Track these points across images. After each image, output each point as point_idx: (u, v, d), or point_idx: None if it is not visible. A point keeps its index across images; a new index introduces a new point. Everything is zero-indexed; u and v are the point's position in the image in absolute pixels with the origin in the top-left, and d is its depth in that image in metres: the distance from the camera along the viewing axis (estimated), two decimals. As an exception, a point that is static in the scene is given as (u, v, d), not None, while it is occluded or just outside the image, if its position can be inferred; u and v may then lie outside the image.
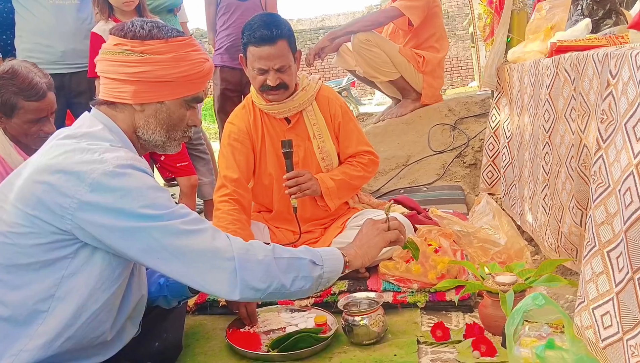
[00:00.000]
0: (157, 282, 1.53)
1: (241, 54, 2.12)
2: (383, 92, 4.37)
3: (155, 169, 2.97)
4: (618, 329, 1.08)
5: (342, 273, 1.39)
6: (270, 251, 1.27)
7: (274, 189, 2.19)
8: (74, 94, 2.75)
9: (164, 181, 3.47)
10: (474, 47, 6.31)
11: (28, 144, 1.83)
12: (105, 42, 2.54)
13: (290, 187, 2.02)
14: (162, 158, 2.73)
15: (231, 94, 3.40)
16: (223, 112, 3.36)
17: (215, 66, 3.48)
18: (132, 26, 1.27)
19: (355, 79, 6.14)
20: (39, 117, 1.81)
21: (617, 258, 1.10)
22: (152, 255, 1.18)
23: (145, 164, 1.28)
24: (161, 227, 1.17)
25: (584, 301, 1.20)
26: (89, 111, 1.33)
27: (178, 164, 2.76)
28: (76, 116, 2.75)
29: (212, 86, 3.60)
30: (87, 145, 1.20)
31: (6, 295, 1.18)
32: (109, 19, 2.56)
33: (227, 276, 1.20)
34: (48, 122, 1.84)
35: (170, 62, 1.26)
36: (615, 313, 1.10)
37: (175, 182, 2.95)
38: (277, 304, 1.93)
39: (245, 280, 1.20)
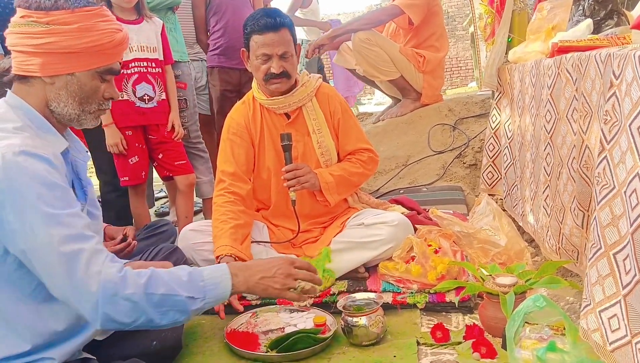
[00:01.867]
0: None
1: (243, 49, 2.14)
2: (383, 92, 4.36)
3: (153, 168, 2.96)
4: (626, 332, 1.08)
5: (226, 300, 1.35)
6: (143, 286, 1.19)
7: (272, 183, 2.20)
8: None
9: (162, 180, 3.45)
10: (474, 47, 6.30)
11: None
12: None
13: (288, 180, 2.03)
14: (160, 156, 2.72)
15: (230, 95, 3.39)
16: (222, 114, 3.35)
17: (213, 67, 3.47)
18: None
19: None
20: None
21: (624, 260, 1.09)
22: (28, 254, 1.15)
23: (58, 145, 1.26)
24: (42, 230, 1.14)
25: (590, 304, 1.19)
26: None
27: (176, 163, 2.75)
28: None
29: (209, 88, 3.59)
30: None
31: None
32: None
33: (89, 307, 1.16)
34: None
35: (77, 32, 1.24)
36: (623, 316, 1.09)
37: (173, 180, 2.93)
38: (276, 304, 1.92)
39: (107, 314, 1.16)
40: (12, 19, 1.28)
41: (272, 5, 4.38)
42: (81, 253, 1.16)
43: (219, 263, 1.78)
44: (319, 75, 2.32)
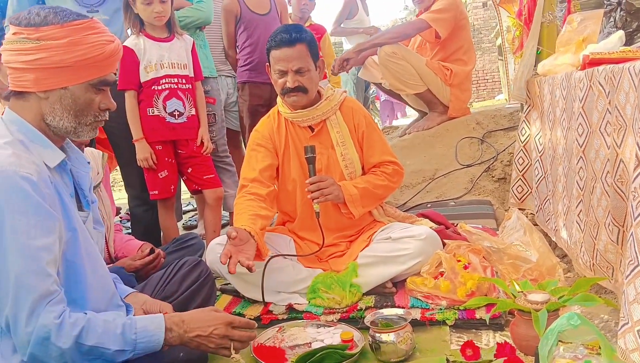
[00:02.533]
0: None
1: (267, 63, 2.20)
2: (409, 105, 4.35)
3: (182, 182, 3.00)
4: (665, 352, 1.04)
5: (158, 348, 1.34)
6: (74, 337, 1.20)
7: (297, 195, 2.22)
8: (103, 108, 2.80)
9: (190, 193, 3.50)
10: (501, 60, 6.24)
11: None
12: (136, 55, 2.59)
13: (312, 192, 2.05)
14: (189, 170, 2.75)
15: (262, 110, 3.42)
16: (254, 128, 3.39)
17: (245, 82, 3.51)
18: (28, 14, 1.26)
19: (378, 92, 6.16)
20: None
21: (663, 278, 1.05)
22: None
23: (54, 158, 1.28)
24: (8, 255, 1.16)
25: (628, 322, 1.15)
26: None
27: (204, 177, 2.78)
28: (105, 130, 2.79)
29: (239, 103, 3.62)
30: None
31: None
32: (140, 33, 2.60)
33: (20, 342, 1.19)
34: None
35: (66, 46, 1.25)
36: (661, 335, 1.05)
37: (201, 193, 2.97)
38: (303, 319, 1.92)
39: (34, 354, 1.19)
40: (6, 36, 1.30)
41: (314, 18, 4.42)
42: (32, 290, 1.18)
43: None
44: (344, 89, 2.33)
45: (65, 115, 1.30)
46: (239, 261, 1.78)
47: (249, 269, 1.79)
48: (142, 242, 2.24)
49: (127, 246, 2.25)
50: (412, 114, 5.91)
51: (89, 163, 1.48)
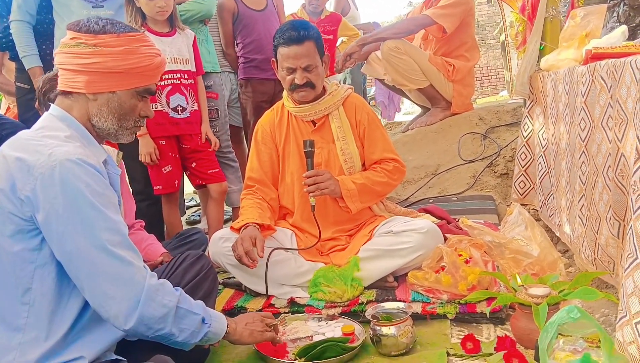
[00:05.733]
0: None
1: (273, 58, 2.21)
2: (412, 101, 4.35)
3: (185, 177, 3.01)
4: (662, 345, 1.04)
5: (220, 338, 1.44)
6: (177, 297, 1.31)
7: (296, 188, 2.25)
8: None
9: (193, 188, 3.50)
10: (504, 55, 6.23)
11: None
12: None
13: (309, 185, 2.07)
14: (193, 165, 2.77)
15: (266, 106, 3.43)
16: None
17: (247, 79, 3.51)
18: (88, 22, 1.36)
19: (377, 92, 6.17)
20: None
21: (661, 270, 1.06)
22: (73, 256, 1.21)
23: (100, 156, 1.36)
24: (88, 232, 1.21)
25: (626, 315, 1.16)
26: None
27: (209, 171, 2.79)
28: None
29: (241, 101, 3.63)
30: (41, 138, 1.27)
31: None
32: (142, 28, 2.61)
33: (129, 305, 1.23)
34: None
35: (121, 54, 1.35)
36: (659, 328, 1.05)
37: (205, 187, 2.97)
38: (304, 312, 1.93)
39: (142, 316, 1.24)
40: (62, 40, 1.39)
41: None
42: (131, 260, 1.26)
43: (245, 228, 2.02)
44: (349, 85, 2.34)
45: (110, 117, 1.38)
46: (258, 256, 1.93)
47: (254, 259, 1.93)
48: (164, 251, 2.23)
49: (147, 250, 2.23)
50: (410, 111, 5.93)
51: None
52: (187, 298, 1.35)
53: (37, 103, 2.07)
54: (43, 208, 1.20)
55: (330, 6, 5.19)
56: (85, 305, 1.28)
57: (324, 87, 2.23)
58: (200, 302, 1.40)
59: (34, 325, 1.23)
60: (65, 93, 1.38)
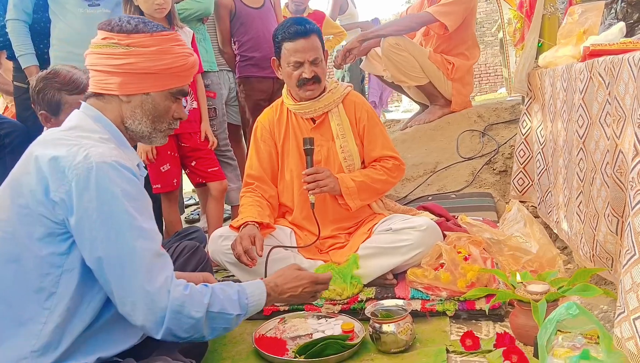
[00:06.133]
0: None
1: (273, 57, 2.19)
2: (411, 98, 4.35)
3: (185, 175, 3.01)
4: (661, 341, 1.05)
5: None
6: (205, 305, 1.25)
7: (295, 186, 2.25)
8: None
9: (192, 187, 3.50)
10: (503, 53, 6.23)
11: None
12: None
13: (308, 183, 2.08)
14: (193, 164, 2.76)
15: (265, 104, 3.43)
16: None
17: (246, 77, 3.50)
18: (119, 21, 1.32)
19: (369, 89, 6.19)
20: None
21: (659, 267, 1.06)
22: (104, 262, 1.17)
23: (134, 159, 1.33)
24: (121, 240, 1.17)
25: (624, 311, 1.16)
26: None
27: (209, 170, 2.79)
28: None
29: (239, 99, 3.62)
30: (75, 138, 1.23)
31: (8, 292, 1.19)
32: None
33: (155, 319, 1.19)
34: None
35: (155, 54, 1.31)
36: (657, 324, 1.06)
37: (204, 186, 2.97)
38: (304, 310, 1.93)
39: (169, 328, 1.21)
40: (93, 41, 1.35)
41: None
42: (162, 268, 1.21)
43: (244, 226, 2.01)
44: (348, 83, 2.34)
45: (145, 120, 1.35)
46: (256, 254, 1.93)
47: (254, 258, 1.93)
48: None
49: None
50: (408, 109, 5.94)
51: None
52: (218, 298, 1.28)
53: (32, 103, 2.07)
54: (77, 211, 1.16)
55: (329, 4, 5.21)
56: (97, 316, 1.24)
57: (324, 85, 2.24)
58: (235, 290, 1.34)
59: (48, 333, 1.18)
60: (97, 95, 1.34)
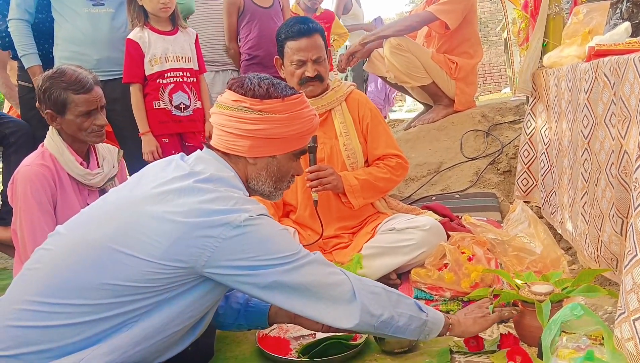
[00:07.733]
0: (235, 309, 1.58)
1: (276, 56, 2.20)
2: (414, 98, 4.34)
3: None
4: (662, 342, 1.04)
5: (442, 334, 1.44)
6: (382, 285, 1.36)
7: (298, 184, 2.24)
8: (108, 101, 2.79)
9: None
10: (507, 53, 6.22)
11: (84, 140, 1.96)
12: (140, 48, 2.59)
13: (311, 181, 2.09)
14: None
15: None
16: None
17: None
18: (251, 84, 1.32)
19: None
20: (90, 110, 1.92)
21: (661, 268, 1.05)
22: (274, 292, 1.24)
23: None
24: (290, 269, 1.24)
25: (625, 312, 1.16)
26: (184, 153, 1.41)
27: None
28: (111, 124, 2.79)
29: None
30: (226, 193, 1.25)
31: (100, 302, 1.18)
32: (145, 26, 2.61)
33: (347, 304, 1.27)
34: (100, 115, 1.95)
35: (286, 120, 1.33)
36: (658, 325, 1.05)
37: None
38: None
39: (364, 304, 1.27)
40: (221, 101, 1.36)
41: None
42: (321, 267, 1.31)
43: None
44: (352, 82, 2.35)
45: (268, 181, 1.39)
46: None
47: None
48: None
49: None
50: (412, 109, 5.94)
51: None
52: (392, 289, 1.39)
53: (37, 102, 2.08)
54: (235, 261, 1.20)
55: (333, 3, 5.21)
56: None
57: (327, 83, 2.25)
58: (413, 301, 1.42)
59: (116, 346, 1.19)
60: (223, 153, 1.36)
